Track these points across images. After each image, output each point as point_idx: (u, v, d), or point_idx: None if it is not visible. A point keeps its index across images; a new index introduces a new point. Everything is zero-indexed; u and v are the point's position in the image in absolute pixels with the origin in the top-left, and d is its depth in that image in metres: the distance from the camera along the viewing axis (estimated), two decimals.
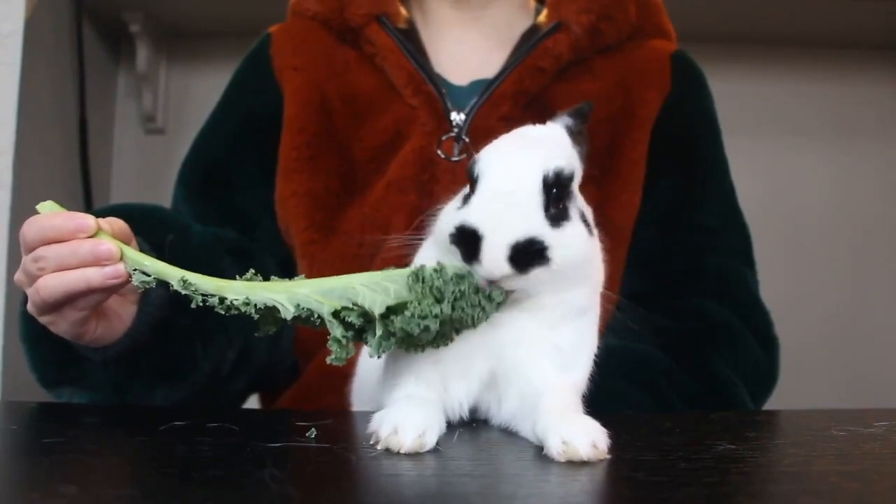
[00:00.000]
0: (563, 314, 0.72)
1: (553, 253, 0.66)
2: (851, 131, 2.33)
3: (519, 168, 0.69)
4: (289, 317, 0.66)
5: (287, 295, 0.67)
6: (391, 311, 0.65)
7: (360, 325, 0.66)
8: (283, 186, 1.14)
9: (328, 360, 0.65)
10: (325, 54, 1.17)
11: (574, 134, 0.77)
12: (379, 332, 0.65)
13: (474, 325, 0.68)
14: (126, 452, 0.65)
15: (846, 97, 2.33)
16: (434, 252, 0.71)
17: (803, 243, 2.29)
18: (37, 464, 0.59)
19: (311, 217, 1.11)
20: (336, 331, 0.65)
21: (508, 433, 0.72)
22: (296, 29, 1.21)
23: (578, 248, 0.69)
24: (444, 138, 1.09)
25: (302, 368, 1.14)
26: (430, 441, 0.64)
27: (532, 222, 0.66)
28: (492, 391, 0.73)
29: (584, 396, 0.80)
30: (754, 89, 2.29)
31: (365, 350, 0.90)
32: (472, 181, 0.70)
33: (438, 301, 0.65)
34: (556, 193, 0.68)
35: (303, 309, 0.66)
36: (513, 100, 1.09)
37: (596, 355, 0.79)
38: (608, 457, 0.62)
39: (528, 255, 0.65)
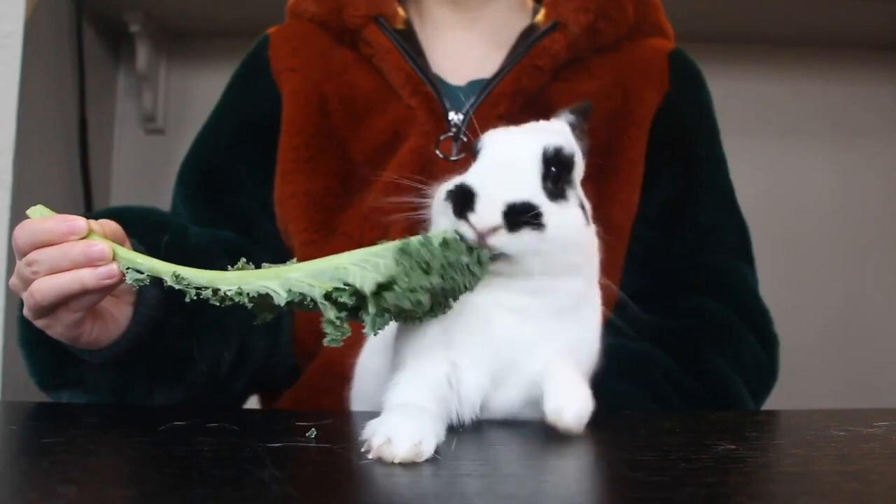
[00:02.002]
0: (564, 305, 0.73)
1: (547, 221, 0.68)
2: (851, 131, 2.33)
3: (520, 143, 0.72)
4: (282, 303, 0.66)
5: (279, 281, 0.66)
6: (382, 287, 0.65)
7: (354, 305, 0.66)
8: (281, 187, 1.14)
9: (324, 342, 0.65)
10: (323, 55, 1.17)
11: (576, 130, 0.79)
12: (372, 310, 0.65)
13: (468, 289, 0.68)
14: (126, 452, 0.65)
15: (846, 97, 2.32)
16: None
17: (803, 243, 2.29)
18: (36, 464, 0.59)
19: (309, 218, 1.11)
20: (329, 313, 0.65)
21: (508, 433, 0.72)
22: (293, 30, 1.21)
23: (574, 227, 0.71)
24: (442, 138, 1.09)
25: (302, 369, 1.14)
26: (427, 450, 0.61)
27: (529, 189, 0.69)
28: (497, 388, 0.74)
29: None
30: (754, 89, 2.29)
31: (363, 354, 0.91)
32: (475, 156, 0.73)
33: (427, 273, 0.65)
34: (555, 172, 0.71)
35: (295, 294, 0.66)
36: (511, 99, 1.09)
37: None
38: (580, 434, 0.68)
39: (521, 215, 0.67)
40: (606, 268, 0.79)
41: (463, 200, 0.68)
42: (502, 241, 0.67)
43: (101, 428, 0.77)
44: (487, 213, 0.67)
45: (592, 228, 0.76)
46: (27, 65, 1.73)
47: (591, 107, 0.83)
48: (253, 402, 1.23)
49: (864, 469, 0.60)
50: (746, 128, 2.23)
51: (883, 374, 2.25)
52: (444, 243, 0.66)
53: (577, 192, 0.75)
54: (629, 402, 0.97)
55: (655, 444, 0.69)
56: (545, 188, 0.70)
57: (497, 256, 0.68)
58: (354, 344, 0.93)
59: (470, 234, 0.68)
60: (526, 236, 0.67)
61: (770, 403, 1.11)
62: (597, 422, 0.78)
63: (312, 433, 0.68)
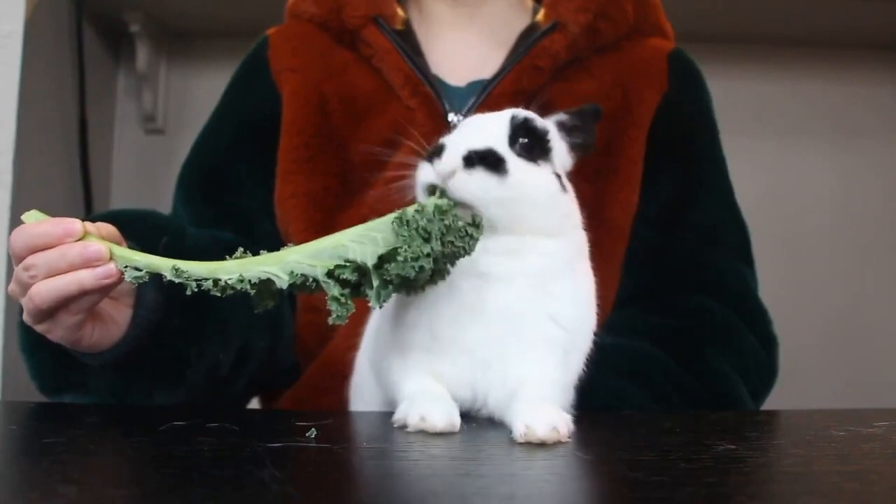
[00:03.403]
0: (550, 266, 0.74)
1: (511, 169, 0.71)
2: (851, 132, 2.33)
3: (490, 116, 0.78)
4: (284, 286, 0.67)
5: (279, 265, 0.67)
6: (383, 259, 0.66)
7: (356, 281, 0.67)
8: (281, 188, 1.14)
9: (329, 320, 0.66)
10: (323, 56, 1.17)
11: (565, 127, 0.82)
12: (376, 282, 0.66)
13: (468, 253, 0.69)
14: (126, 452, 0.65)
15: (846, 97, 2.32)
16: None
17: (803, 243, 2.29)
18: (36, 464, 0.59)
19: (309, 218, 1.11)
20: (333, 290, 0.66)
21: (508, 433, 0.72)
22: (293, 31, 1.21)
23: (544, 185, 0.74)
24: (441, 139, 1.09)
25: (302, 369, 1.14)
26: (458, 421, 0.71)
27: (494, 141, 0.73)
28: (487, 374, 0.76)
29: (582, 394, 0.81)
30: (754, 89, 2.29)
31: (361, 349, 0.91)
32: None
33: (426, 240, 0.66)
34: (526, 142, 0.75)
35: (297, 276, 0.66)
36: (511, 99, 1.09)
37: (594, 352, 0.80)
38: (568, 440, 0.67)
39: (480, 157, 0.71)
40: (606, 268, 0.79)
41: (434, 153, 0.73)
42: (459, 180, 0.70)
43: (101, 428, 0.77)
44: (449, 157, 0.71)
45: (569, 197, 0.78)
46: (27, 65, 1.73)
47: (592, 109, 0.84)
48: (253, 402, 1.23)
49: (864, 469, 0.60)
50: (746, 128, 2.23)
51: (883, 374, 2.25)
52: (439, 210, 0.67)
53: (553, 167, 0.77)
54: (629, 402, 0.97)
55: (655, 444, 0.69)
56: (514, 149, 0.74)
57: (464, 205, 0.71)
58: (354, 344, 0.93)
59: (432, 178, 0.71)
60: (482, 177, 0.70)
61: (770, 403, 1.11)
62: (597, 422, 0.78)
63: (312, 433, 0.68)
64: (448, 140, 0.75)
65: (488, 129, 0.75)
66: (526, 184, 0.72)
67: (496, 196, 0.71)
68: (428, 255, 0.65)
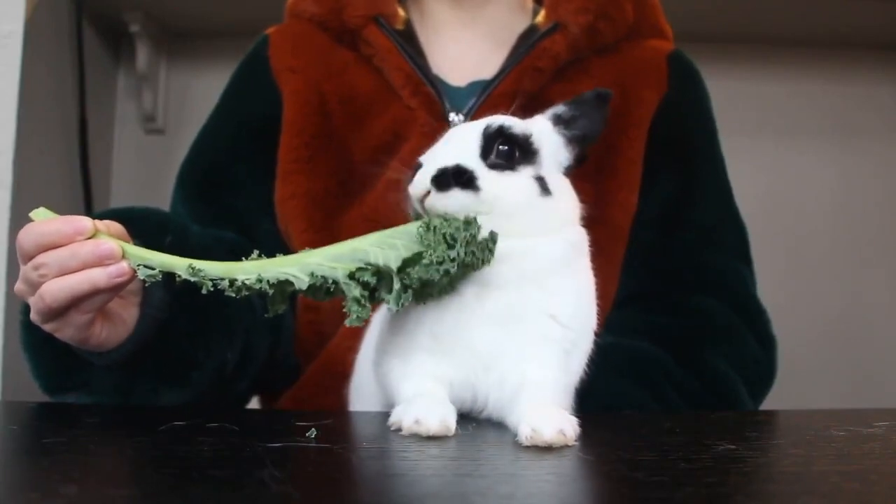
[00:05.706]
0: (548, 265, 0.75)
1: (483, 185, 0.72)
2: (851, 132, 2.33)
3: (466, 126, 0.79)
4: (304, 287, 0.68)
5: (299, 266, 0.68)
6: (406, 264, 0.68)
7: (374, 285, 0.68)
8: (282, 188, 1.14)
9: (347, 322, 0.67)
10: (323, 55, 1.17)
11: (562, 120, 0.81)
12: (396, 286, 0.67)
13: (485, 264, 0.71)
14: (126, 452, 0.65)
15: (846, 97, 2.33)
16: None
17: (803, 244, 2.29)
18: (37, 464, 0.59)
19: (310, 218, 1.11)
20: (354, 291, 0.67)
21: (507, 433, 0.72)
22: (293, 30, 1.21)
23: (518, 192, 0.74)
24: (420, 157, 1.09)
25: (303, 369, 1.14)
26: (453, 425, 0.69)
27: (464, 158, 0.73)
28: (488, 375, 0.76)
29: (582, 394, 0.81)
30: (754, 89, 2.29)
31: (362, 350, 0.91)
32: None
33: (451, 246, 0.68)
34: (505, 149, 0.75)
35: (317, 277, 0.67)
36: (511, 100, 1.09)
37: (594, 352, 0.80)
38: (575, 443, 0.66)
39: (450, 177, 0.72)
40: (606, 268, 0.79)
41: (417, 170, 0.74)
42: (433, 201, 0.72)
43: (101, 428, 0.77)
44: (421, 179, 0.72)
45: (561, 196, 0.77)
46: (27, 65, 1.73)
47: (594, 95, 0.81)
48: (253, 402, 1.23)
49: (864, 469, 0.60)
50: (746, 128, 2.23)
51: (883, 374, 2.25)
52: (466, 221, 0.69)
53: (539, 169, 0.76)
54: (629, 401, 0.97)
55: (655, 444, 0.69)
56: (487, 161, 0.74)
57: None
58: (355, 344, 0.93)
59: (415, 206, 0.73)
60: (455, 195, 0.71)
61: (770, 403, 1.11)
62: (597, 422, 0.78)
63: (312, 433, 0.68)
64: (424, 157, 0.77)
65: (462, 142, 0.76)
66: (499, 195, 0.72)
67: (472, 211, 0.71)
68: (453, 260, 0.67)
